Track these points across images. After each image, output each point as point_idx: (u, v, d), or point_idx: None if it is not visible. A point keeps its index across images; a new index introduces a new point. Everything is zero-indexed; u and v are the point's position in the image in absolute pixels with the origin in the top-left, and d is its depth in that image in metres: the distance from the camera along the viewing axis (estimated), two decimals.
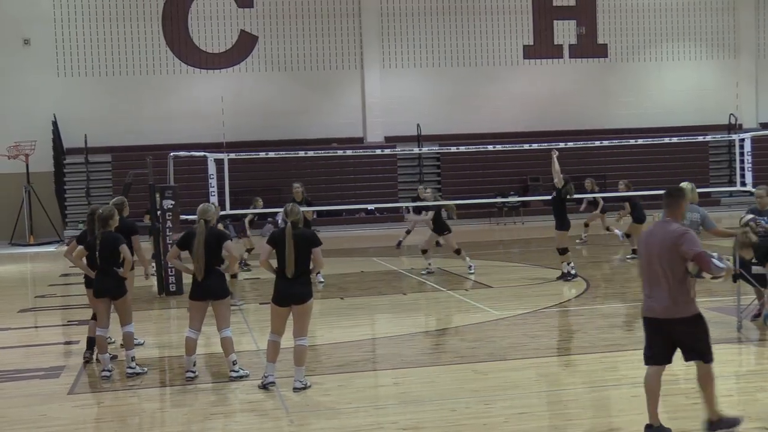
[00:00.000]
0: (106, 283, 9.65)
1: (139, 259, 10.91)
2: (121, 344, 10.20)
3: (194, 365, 9.30)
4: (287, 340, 9.10)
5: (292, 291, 8.67)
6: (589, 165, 32.04)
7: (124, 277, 9.72)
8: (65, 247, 26.79)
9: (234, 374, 9.20)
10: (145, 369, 9.76)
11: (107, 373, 9.54)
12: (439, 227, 17.01)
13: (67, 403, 8.69)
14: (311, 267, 8.88)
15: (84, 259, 10.02)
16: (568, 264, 15.62)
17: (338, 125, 32.01)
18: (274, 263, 8.78)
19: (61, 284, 18.37)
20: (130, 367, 9.59)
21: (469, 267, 16.76)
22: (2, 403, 8.78)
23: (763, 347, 10.22)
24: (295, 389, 8.70)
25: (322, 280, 16.39)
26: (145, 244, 13.31)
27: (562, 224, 15.55)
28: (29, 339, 12.50)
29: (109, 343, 10.33)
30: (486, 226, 29.43)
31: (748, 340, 10.38)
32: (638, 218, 18.09)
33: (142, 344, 11.04)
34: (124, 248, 9.65)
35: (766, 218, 11.02)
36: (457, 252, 16.89)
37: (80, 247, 9.97)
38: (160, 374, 9.86)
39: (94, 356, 10.25)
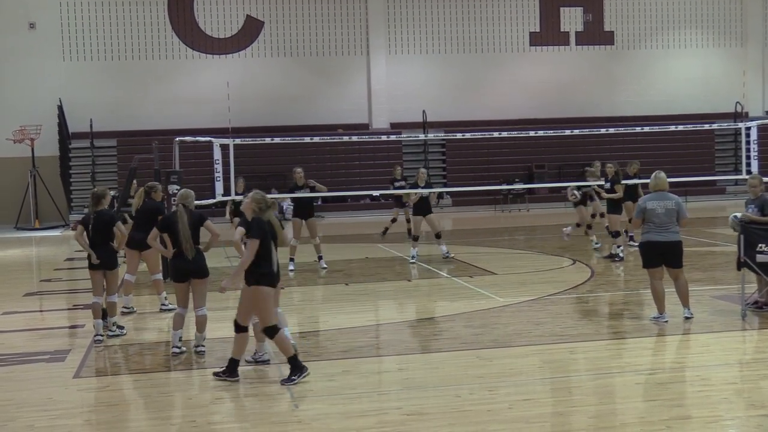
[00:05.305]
0: (99, 256, 10.64)
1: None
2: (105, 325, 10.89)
3: (180, 340, 9.78)
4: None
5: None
6: (595, 153, 31.97)
7: (116, 250, 10.92)
8: (71, 232, 26.79)
9: (201, 349, 9.73)
10: (124, 331, 10.93)
11: (100, 338, 10.51)
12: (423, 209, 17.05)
13: (72, 387, 8.73)
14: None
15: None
16: (618, 246, 16.46)
17: (344, 111, 31.98)
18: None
19: (66, 268, 18.42)
20: (111, 330, 10.77)
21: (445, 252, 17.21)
22: (8, 386, 8.82)
23: (767, 335, 10.22)
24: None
25: (325, 266, 16.46)
26: None
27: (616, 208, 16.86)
28: (35, 323, 12.53)
29: (129, 312, 12.20)
30: (491, 213, 29.43)
31: (752, 328, 10.38)
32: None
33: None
34: (119, 225, 10.92)
35: (752, 207, 10.88)
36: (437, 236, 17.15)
37: (80, 226, 10.88)
38: (164, 359, 9.88)
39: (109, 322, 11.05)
